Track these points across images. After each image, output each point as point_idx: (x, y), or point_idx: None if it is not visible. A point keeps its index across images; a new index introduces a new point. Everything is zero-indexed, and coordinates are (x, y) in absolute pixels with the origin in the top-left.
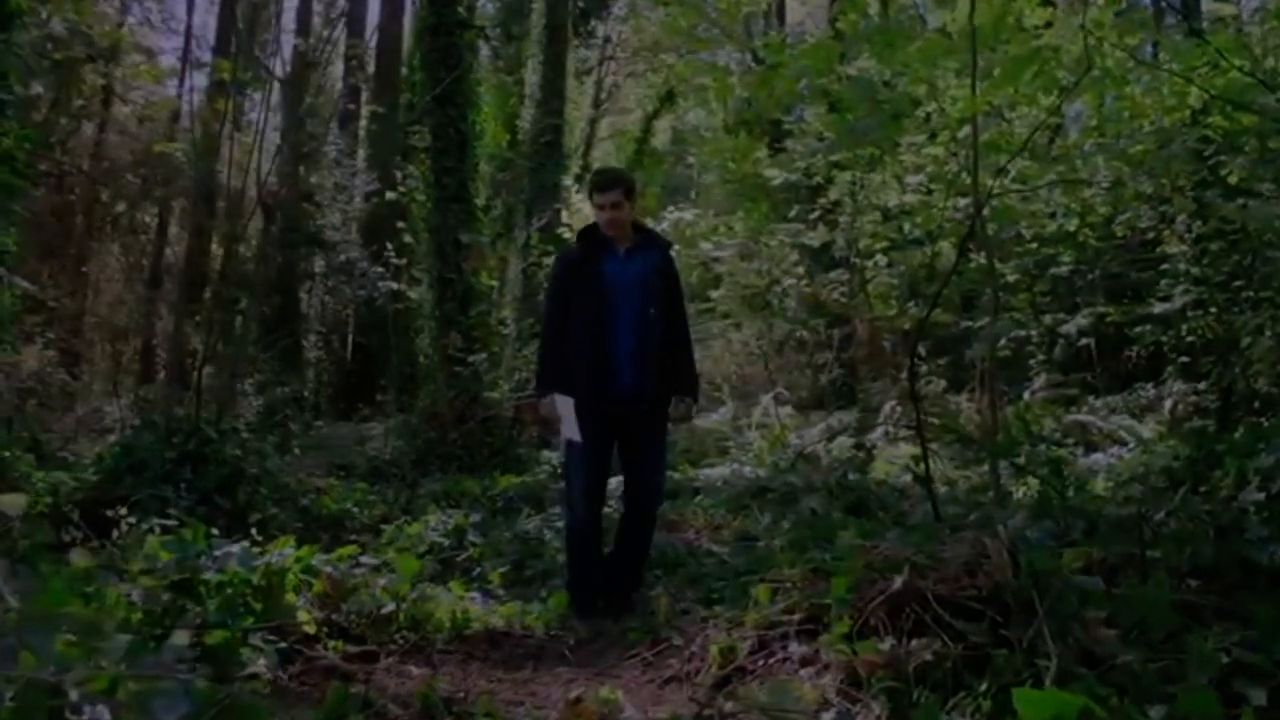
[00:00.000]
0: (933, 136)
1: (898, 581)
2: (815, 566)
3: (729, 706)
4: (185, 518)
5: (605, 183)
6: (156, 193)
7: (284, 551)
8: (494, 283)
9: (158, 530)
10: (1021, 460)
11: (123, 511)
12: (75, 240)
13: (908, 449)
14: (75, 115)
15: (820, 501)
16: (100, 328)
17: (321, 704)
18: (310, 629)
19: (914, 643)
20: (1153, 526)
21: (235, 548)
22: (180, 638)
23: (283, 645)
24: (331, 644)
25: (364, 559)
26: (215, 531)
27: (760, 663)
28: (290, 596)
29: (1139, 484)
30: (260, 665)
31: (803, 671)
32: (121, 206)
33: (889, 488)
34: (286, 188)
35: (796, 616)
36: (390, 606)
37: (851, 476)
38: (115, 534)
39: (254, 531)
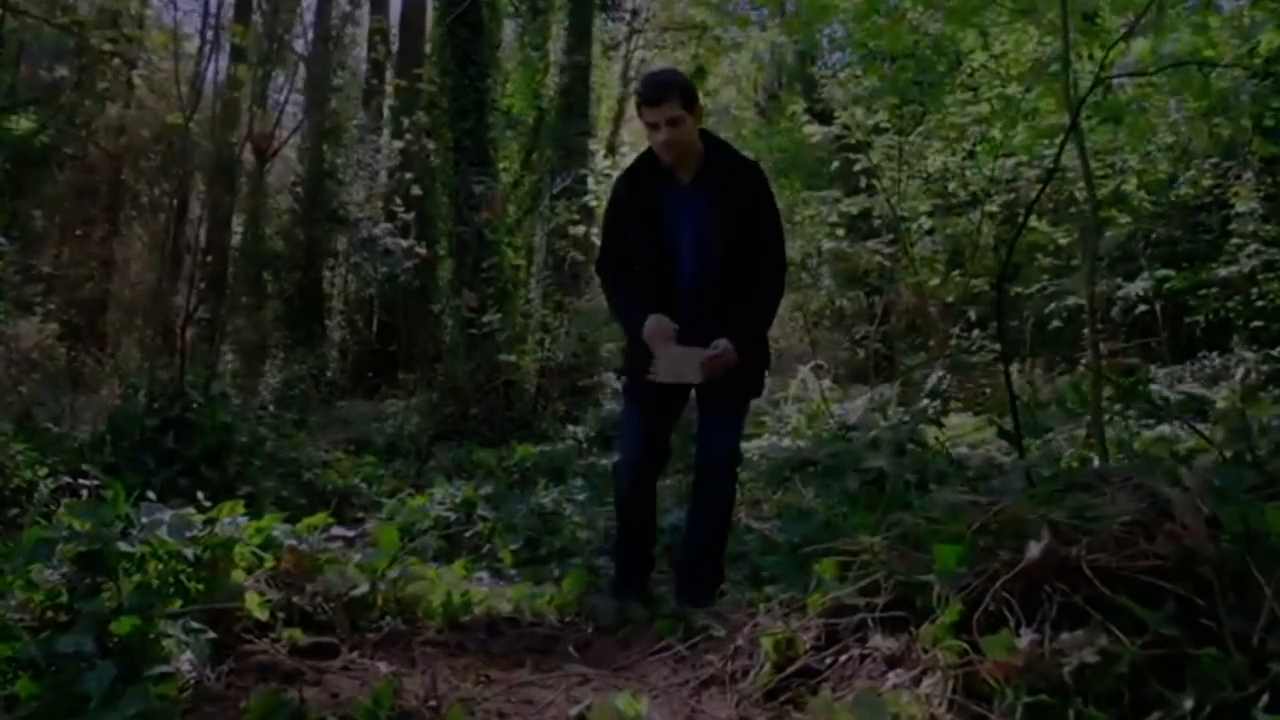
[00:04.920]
0: (974, 92)
1: (1034, 549)
2: (903, 533)
3: None
4: (107, 482)
5: (655, 92)
6: (175, 170)
7: (235, 519)
8: (520, 261)
9: (85, 495)
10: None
11: (43, 473)
12: (98, 220)
13: (957, 420)
14: (100, 96)
15: (889, 461)
16: (123, 308)
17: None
18: (261, 615)
19: (1065, 636)
20: None
21: (166, 514)
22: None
23: (213, 636)
24: (286, 633)
25: (339, 530)
26: (151, 496)
27: (829, 661)
28: (238, 574)
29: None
30: (183, 661)
31: (891, 675)
32: (142, 185)
33: (947, 458)
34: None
35: (879, 600)
36: (364, 587)
37: (921, 428)
38: (34, 497)
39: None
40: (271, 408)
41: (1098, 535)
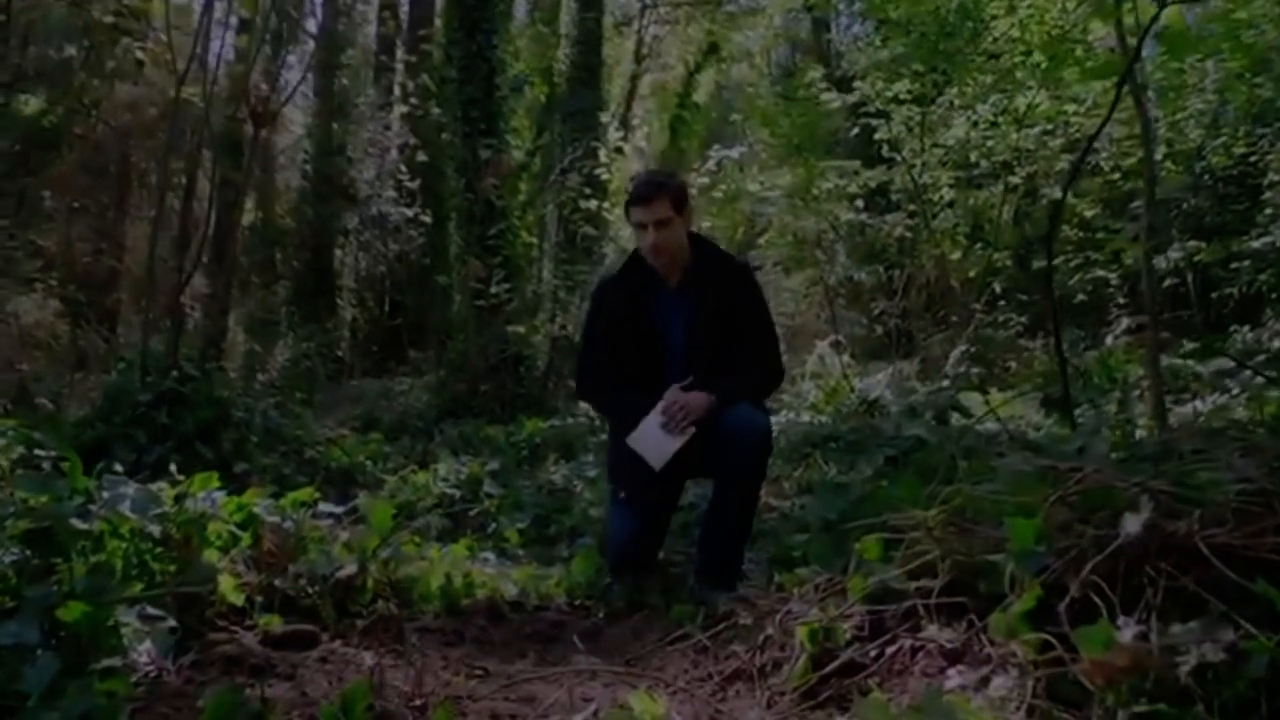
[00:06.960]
0: (995, 58)
1: (1133, 523)
2: (960, 506)
3: None
4: (66, 454)
5: (644, 192)
6: (179, 144)
7: (210, 494)
8: (532, 239)
9: (45, 468)
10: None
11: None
12: (106, 198)
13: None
14: (109, 75)
15: (927, 429)
16: (131, 287)
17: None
18: (236, 600)
19: (1178, 629)
20: None
21: (130, 488)
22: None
23: (175, 624)
24: (263, 620)
25: (327, 506)
26: (120, 469)
27: (875, 654)
28: (212, 555)
29: None
30: (141, 652)
31: (952, 672)
32: (150, 162)
33: (975, 433)
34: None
35: (933, 584)
36: (352, 569)
37: (960, 395)
38: None
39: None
40: (262, 380)
41: (1211, 507)
